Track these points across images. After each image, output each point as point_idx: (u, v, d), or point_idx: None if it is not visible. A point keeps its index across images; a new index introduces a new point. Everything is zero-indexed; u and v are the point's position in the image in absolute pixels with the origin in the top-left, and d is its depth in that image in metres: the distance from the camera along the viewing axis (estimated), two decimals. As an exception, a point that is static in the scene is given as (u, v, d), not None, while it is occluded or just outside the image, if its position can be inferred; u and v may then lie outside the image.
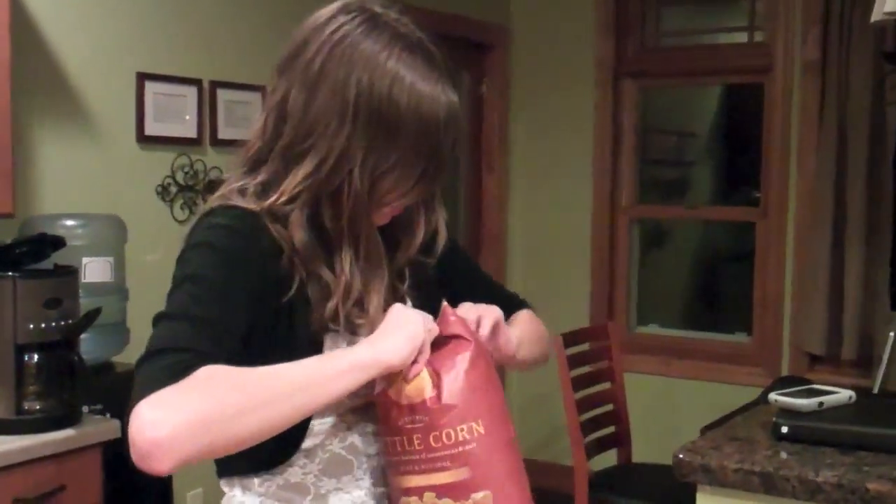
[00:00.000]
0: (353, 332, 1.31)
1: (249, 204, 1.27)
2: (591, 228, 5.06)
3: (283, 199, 1.25)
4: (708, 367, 4.73)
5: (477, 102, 5.20)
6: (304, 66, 1.25)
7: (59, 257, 2.62)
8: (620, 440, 3.83)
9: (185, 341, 1.12)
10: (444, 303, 1.31)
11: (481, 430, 1.23)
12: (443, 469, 1.22)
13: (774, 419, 1.44)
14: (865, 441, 1.37)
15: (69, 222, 2.83)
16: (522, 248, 5.28)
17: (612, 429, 3.83)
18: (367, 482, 1.33)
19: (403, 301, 1.38)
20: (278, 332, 1.25)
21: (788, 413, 1.47)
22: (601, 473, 3.64)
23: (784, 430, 1.42)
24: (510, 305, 1.52)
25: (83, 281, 2.70)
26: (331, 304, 1.27)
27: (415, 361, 1.22)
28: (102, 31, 3.19)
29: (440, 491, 1.22)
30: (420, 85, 1.23)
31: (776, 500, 1.31)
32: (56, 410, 2.50)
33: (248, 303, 1.21)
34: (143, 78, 3.27)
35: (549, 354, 1.61)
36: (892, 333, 2.92)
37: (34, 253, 2.56)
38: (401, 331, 1.21)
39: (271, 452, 1.26)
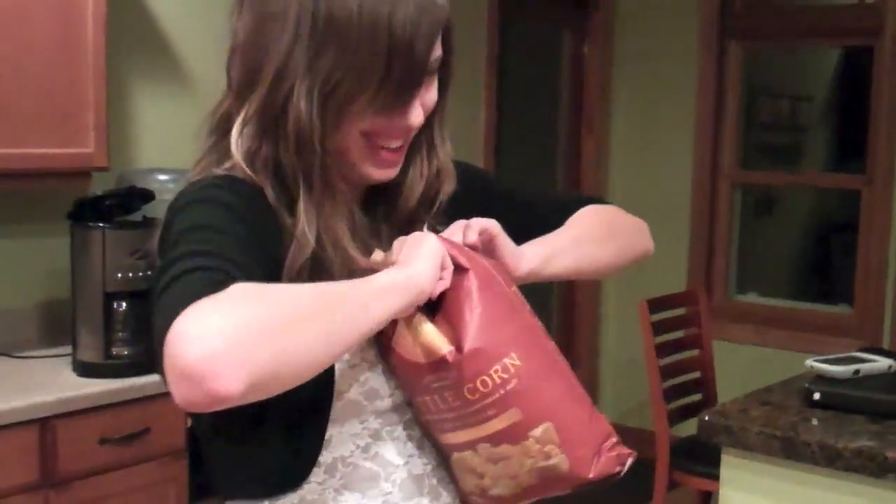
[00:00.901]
0: None
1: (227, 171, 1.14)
2: (692, 193, 4.97)
3: (243, 142, 1.12)
4: (805, 338, 4.61)
5: (578, 62, 5.15)
6: None
7: (149, 210, 2.72)
8: (706, 408, 3.78)
9: (188, 264, 0.98)
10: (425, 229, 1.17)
11: (517, 362, 1.08)
12: (489, 418, 1.09)
13: (807, 385, 1.42)
14: (890, 409, 1.34)
15: (162, 177, 2.92)
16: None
17: (698, 396, 3.79)
18: (395, 496, 1.17)
19: None
20: None
21: (823, 380, 1.45)
22: (684, 440, 3.61)
23: (816, 396, 1.41)
24: (565, 209, 1.34)
25: (172, 233, 2.80)
26: (289, 258, 1.10)
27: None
28: (199, -10, 3.27)
29: (494, 439, 1.09)
30: None
31: (797, 465, 1.30)
32: (142, 356, 2.62)
33: (257, 247, 1.06)
34: (238, 36, 3.34)
35: (648, 247, 1.42)
36: None
37: (124, 205, 2.67)
38: (422, 250, 1.07)
39: (285, 470, 1.13)
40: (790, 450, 1.30)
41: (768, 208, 5.82)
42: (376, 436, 1.16)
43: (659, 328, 3.64)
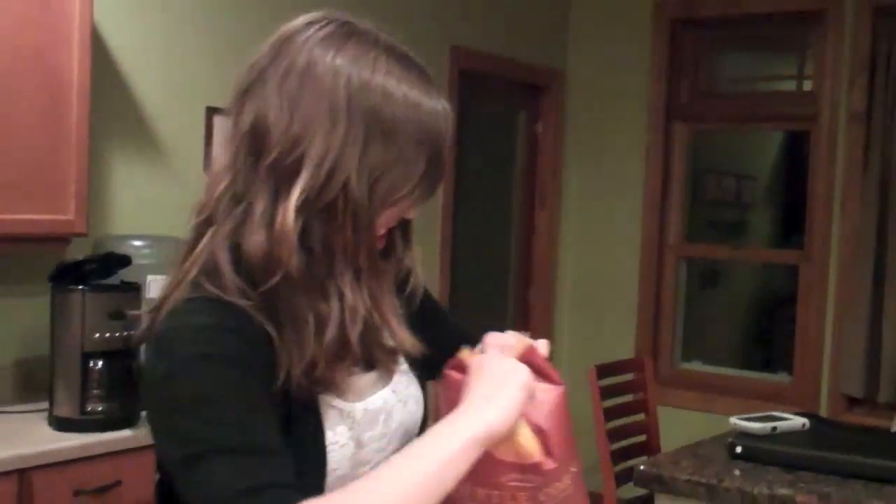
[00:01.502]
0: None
1: (226, 282, 1.12)
2: (639, 265, 5.21)
3: (288, 219, 1.10)
4: (747, 405, 4.79)
5: (531, 141, 5.40)
6: (279, 80, 1.13)
7: (125, 274, 2.88)
8: (651, 470, 3.97)
9: (250, 480, 1.02)
10: (512, 336, 1.24)
11: (574, 469, 1.17)
12: None
13: (731, 440, 1.61)
14: (806, 462, 1.53)
15: (137, 242, 3.09)
16: (571, 282, 5.45)
17: (643, 458, 3.97)
18: None
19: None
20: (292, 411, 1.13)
21: (745, 435, 1.64)
22: (630, 501, 3.78)
23: (738, 449, 1.59)
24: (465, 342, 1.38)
25: (146, 296, 2.95)
26: (329, 334, 1.12)
27: None
28: (175, 68, 3.47)
29: None
30: (415, 83, 1.16)
31: (716, 508, 1.49)
32: (116, 412, 2.75)
33: (269, 401, 1.09)
34: (211, 112, 3.55)
35: None
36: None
37: (102, 269, 2.83)
38: (506, 389, 1.11)
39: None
40: (714, 495, 1.49)
41: (714, 281, 6.07)
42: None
43: (607, 393, 3.83)
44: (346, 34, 1.17)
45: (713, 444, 1.64)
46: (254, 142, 1.14)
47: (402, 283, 1.30)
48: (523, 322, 5.44)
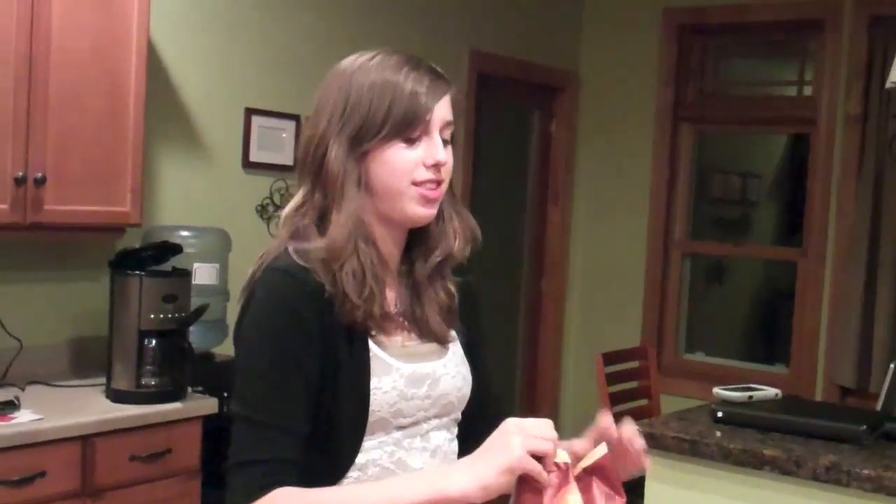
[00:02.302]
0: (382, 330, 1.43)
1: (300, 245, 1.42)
2: (646, 260, 5.48)
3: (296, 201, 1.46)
4: (745, 393, 5.09)
5: (546, 140, 5.68)
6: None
7: (176, 261, 3.17)
8: (654, 451, 4.25)
9: (254, 454, 1.33)
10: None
11: None
12: None
13: (712, 406, 1.89)
14: (776, 424, 1.81)
15: (184, 233, 3.37)
16: (582, 274, 5.73)
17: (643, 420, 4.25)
18: None
19: (453, 313, 1.51)
20: (343, 359, 1.40)
21: (724, 402, 1.92)
22: (633, 481, 4.05)
23: (719, 414, 1.87)
24: (493, 406, 1.61)
25: (194, 282, 3.24)
26: (345, 275, 1.39)
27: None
28: (218, 73, 3.77)
29: None
30: (379, 66, 1.43)
31: (700, 461, 1.77)
32: (167, 386, 3.05)
33: (311, 365, 1.37)
34: (250, 113, 3.83)
35: None
36: (892, 365, 3.31)
37: (157, 257, 3.12)
38: (490, 458, 1.25)
39: (327, 472, 1.39)
40: (696, 450, 1.77)
41: (719, 276, 6.33)
42: (398, 445, 1.44)
43: (612, 379, 4.11)
44: (372, 56, 1.46)
45: (699, 411, 1.91)
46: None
47: (458, 255, 1.51)
48: (535, 310, 5.73)
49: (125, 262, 3.08)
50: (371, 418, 1.41)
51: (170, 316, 3.04)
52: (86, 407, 2.97)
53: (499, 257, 5.61)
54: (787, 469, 1.69)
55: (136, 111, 3.19)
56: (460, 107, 1.50)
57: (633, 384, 4.32)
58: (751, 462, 1.71)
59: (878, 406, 3.39)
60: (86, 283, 3.35)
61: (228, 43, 3.81)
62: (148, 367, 3.04)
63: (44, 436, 2.74)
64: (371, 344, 1.43)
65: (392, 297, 1.49)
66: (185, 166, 3.67)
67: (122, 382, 3.04)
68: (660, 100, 5.43)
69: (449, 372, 1.51)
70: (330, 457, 1.40)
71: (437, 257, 1.49)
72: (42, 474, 2.73)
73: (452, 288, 1.52)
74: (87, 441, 2.84)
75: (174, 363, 3.06)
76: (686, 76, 5.44)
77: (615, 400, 4.07)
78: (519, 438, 1.25)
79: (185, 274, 3.14)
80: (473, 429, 1.52)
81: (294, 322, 1.37)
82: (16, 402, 2.85)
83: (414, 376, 1.45)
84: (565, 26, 5.60)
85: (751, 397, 1.91)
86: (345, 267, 1.40)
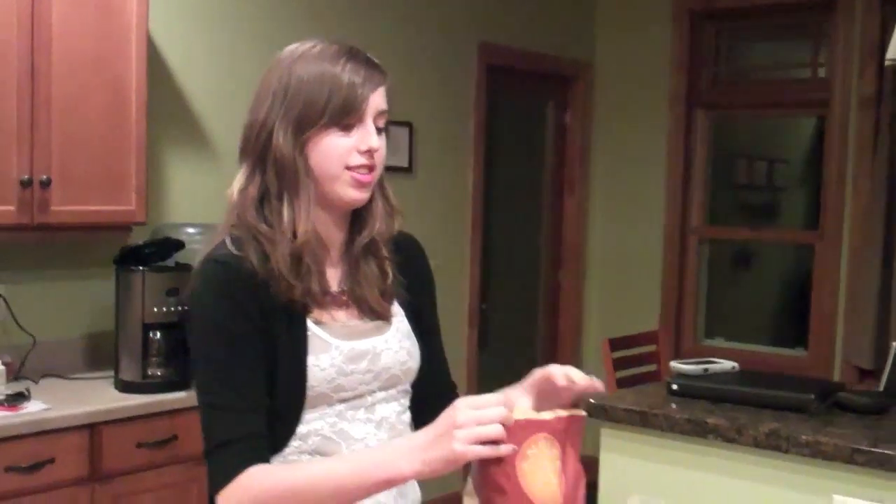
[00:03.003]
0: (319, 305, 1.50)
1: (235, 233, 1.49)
2: (663, 247, 5.50)
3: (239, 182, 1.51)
4: (764, 377, 5.10)
5: (561, 130, 5.72)
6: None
7: (180, 257, 3.27)
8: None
9: (225, 435, 1.41)
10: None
11: None
12: None
13: (667, 379, 1.93)
14: (728, 395, 1.85)
15: (189, 229, 3.47)
16: (599, 263, 5.76)
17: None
18: None
19: (386, 294, 1.57)
20: (282, 338, 1.47)
21: (680, 375, 1.96)
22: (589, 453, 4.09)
23: (674, 387, 1.91)
24: (447, 391, 1.67)
25: (198, 276, 3.32)
26: (281, 252, 1.46)
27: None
28: (221, 73, 3.86)
29: None
30: (318, 57, 1.49)
31: (648, 431, 1.82)
32: (172, 376, 3.16)
33: (257, 344, 1.45)
34: (255, 110, 3.92)
35: None
36: (894, 343, 3.32)
37: (161, 253, 3.22)
38: (436, 448, 1.30)
39: (272, 439, 1.46)
40: (645, 421, 1.82)
41: (746, 263, 6.32)
42: (341, 416, 1.51)
43: (622, 364, 4.15)
44: (312, 45, 1.53)
45: (658, 386, 1.96)
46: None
47: (386, 232, 1.59)
48: (554, 301, 5.77)
49: (129, 259, 3.18)
50: (310, 393, 1.48)
51: (173, 309, 3.14)
52: (94, 397, 3.08)
53: (516, 249, 5.67)
54: (729, 437, 1.73)
55: (139, 111, 3.29)
56: (394, 97, 1.57)
57: (650, 367, 4.33)
58: (696, 431, 1.76)
59: (881, 385, 3.40)
60: (96, 281, 3.46)
61: (231, 41, 3.91)
62: (153, 359, 3.15)
63: (52, 424, 2.86)
64: (310, 323, 1.50)
65: (335, 277, 1.56)
66: (190, 164, 3.77)
67: (129, 373, 3.15)
68: (673, 86, 5.45)
69: (391, 347, 1.57)
70: (272, 428, 1.47)
71: (364, 238, 1.56)
72: (51, 461, 2.85)
73: (387, 267, 1.59)
74: (94, 429, 2.96)
75: (178, 354, 3.16)
76: (699, 62, 5.45)
77: (623, 385, 4.10)
78: (463, 432, 1.29)
79: (187, 268, 3.23)
80: (429, 405, 1.60)
81: (232, 307, 1.46)
82: (26, 393, 2.97)
83: (353, 353, 1.52)
84: (576, 15, 5.63)
85: (706, 370, 1.95)
86: (279, 248, 1.48)
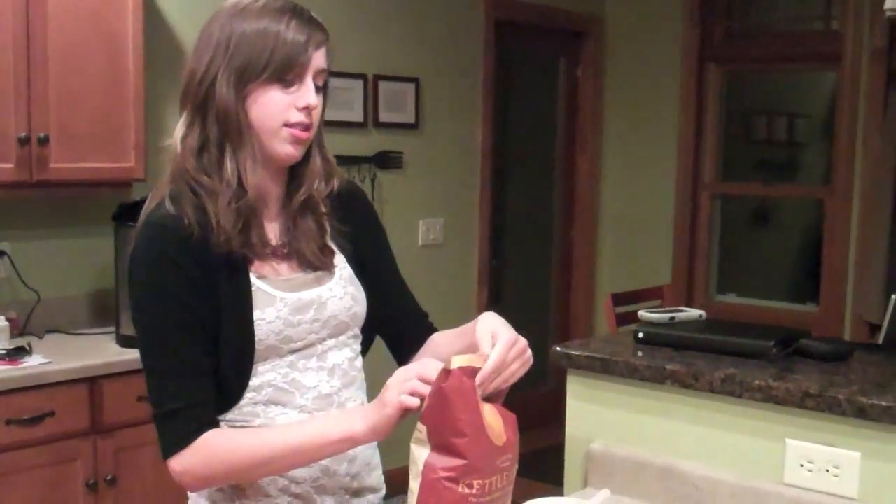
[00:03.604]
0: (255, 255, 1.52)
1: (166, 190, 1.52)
2: (675, 203, 5.48)
3: (179, 131, 1.52)
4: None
5: (572, 86, 5.69)
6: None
7: (179, 213, 3.30)
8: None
9: (172, 402, 1.45)
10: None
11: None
12: (509, 494, 1.38)
13: (635, 328, 1.95)
14: (691, 343, 1.85)
15: (190, 186, 3.50)
16: (612, 221, 5.75)
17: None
18: (310, 406, 1.55)
19: (325, 249, 1.59)
20: (226, 295, 1.49)
21: (647, 324, 1.98)
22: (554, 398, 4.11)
23: (640, 335, 1.93)
24: (420, 321, 1.74)
25: (198, 232, 3.36)
26: (220, 203, 1.47)
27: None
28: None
29: None
30: (262, 11, 1.50)
31: (611, 378, 1.84)
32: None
33: (198, 305, 1.46)
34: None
35: None
36: (893, 296, 3.32)
37: (158, 208, 3.25)
38: (377, 407, 1.39)
39: (224, 399, 1.51)
40: (606, 367, 1.84)
41: (763, 219, 6.29)
42: (292, 366, 1.54)
43: (628, 321, 4.15)
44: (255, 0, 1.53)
45: (627, 334, 1.98)
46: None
47: (325, 188, 1.61)
48: (567, 258, 5.78)
49: (128, 215, 3.22)
50: (259, 346, 1.51)
51: (171, 264, 3.18)
52: (95, 352, 3.14)
53: (528, 206, 5.67)
54: (686, 382, 1.74)
55: (136, 67, 3.32)
56: (334, 57, 1.58)
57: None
58: (655, 377, 1.77)
59: (881, 338, 3.40)
60: (99, 238, 3.50)
61: None
62: (152, 314, 3.19)
63: (51, 377, 2.93)
64: (253, 278, 1.52)
65: (274, 232, 1.58)
66: (192, 122, 3.80)
67: (129, 328, 3.20)
68: (686, 41, 5.40)
69: (336, 294, 1.59)
70: (224, 384, 1.51)
71: (302, 195, 1.57)
72: (52, 414, 2.92)
73: (325, 222, 1.61)
74: (94, 383, 3.02)
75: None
76: (712, 15, 5.39)
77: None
78: (395, 388, 1.37)
79: (186, 224, 3.27)
80: (407, 340, 1.71)
81: (172, 269, 1.47)
82: (27, 348, 3.03)
83: (299, 303, 1.54)
84: (587, -30, 5.59)
85: (672, 318, 1.96)
86: (220, 200, 1.48)
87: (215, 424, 1.48)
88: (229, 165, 1.50)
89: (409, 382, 1.36)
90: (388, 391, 1.37)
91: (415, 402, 1.35)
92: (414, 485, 1.32)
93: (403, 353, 1.72)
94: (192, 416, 1.45)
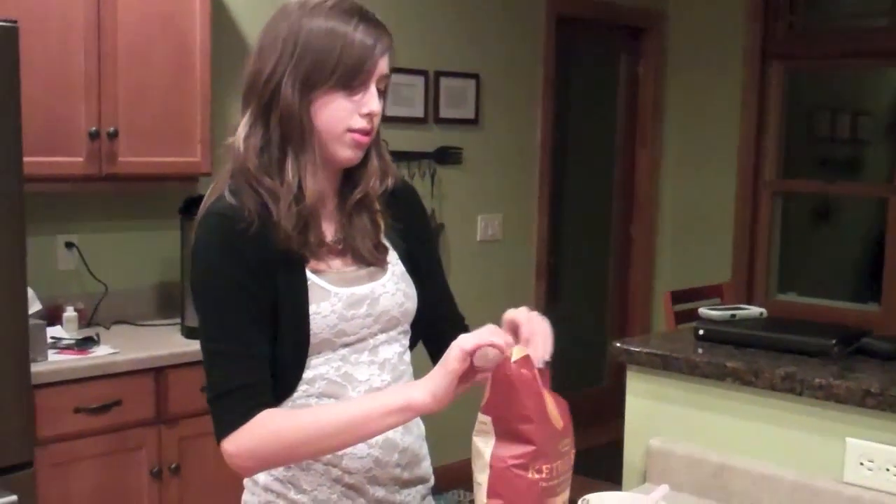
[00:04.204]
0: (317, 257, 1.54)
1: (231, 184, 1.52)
2: (735, 200, 5.44)
3: (243, 131, 1.52)
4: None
5: (633, 82, 5.68)
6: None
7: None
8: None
9: (229, 383, 1.46)
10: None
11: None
12: (569, 480, 1.38)
13: (696, 324, 1.95)
14: (752, 340, 1.85)
15: (254, 180, 3.56)
16: (671, 217, 5.73)
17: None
18: (376, 451, 1.56)
19: (379, 246, 1.61)
20: (282, 289, 1.51)
21: (708, 321, 1.98)
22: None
23: (700, 332, 1.93)
24: (458, 323, 1.75)
25: (261, 226, 3.42)
26: (282, 206, 1.49)
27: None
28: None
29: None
30: (330, 12, 1.50)
31: (671, 374, 1.85)
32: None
33: (258, 291, 1.48)
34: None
35: None
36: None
37: (223, 203, 3.32)
38: (437, 369, 1.37)
39: (278, 392, 1.52)
40: (666, 364, 1.85)
41: (825, 217, 6.22)
42: (345, 360, 1.56)
43: (686, 318, 4.14)
44: (324, 0, 1.53)
45: (687, 331, 1.98)
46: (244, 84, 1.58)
47: (381, 187, 1.62)
48: (625, 255, 5.77)
49: (194, 209, 3.28)
50: (314, 340, 1.54)
51: (234, 257, 3.24)
52: (160, 342, 3.22)
53: (587, 202, 5.67)
54: (746, 380, 1.75)
55: (203, 64, 3.39)
56: (396, 56, 1.59)
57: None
58: (715, 374, 1.78)
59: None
60: (166, 231, 3.58)
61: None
62: (216, 306, 3.25)
63: (119, 367, 3.00)
64: (309, 273, 1.55)
65: (330, 229, 1.61)
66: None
67: (194, 320, 3.22)
68: (748, 37, 5.35)
69: (388, 290, 1.62)
70: (278, 377, 1.52)
71: (358, 193, 1.60)
72: (118, 403, 2.99)
73: (380, 220, 1.64)
74: (160, 373, 3.09)
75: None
76: (774, 11, 5.34)
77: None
78: (455, 345, 1.35)
79: (249, 218, 3.33)
80: (444, 339, 1.62)
81: (234, 257, 1.49)
82: (95, 338, 3.11)
83: (352, 298, 1.57)
84: (648, -34, 5.56)
85: (733, 316, 1.96)
86: (281, 203, 1.50)
87: (270, 406, 1.48)
88: (290, 168, 1.52)
89: (473, 338, 1.35)
90: (447, 359, 1.36)
91: (483, 339, 1.34)
92: (481, 477, 1.34)
93: (440, 352, 1.70)
94: (248, 396, 1.46)
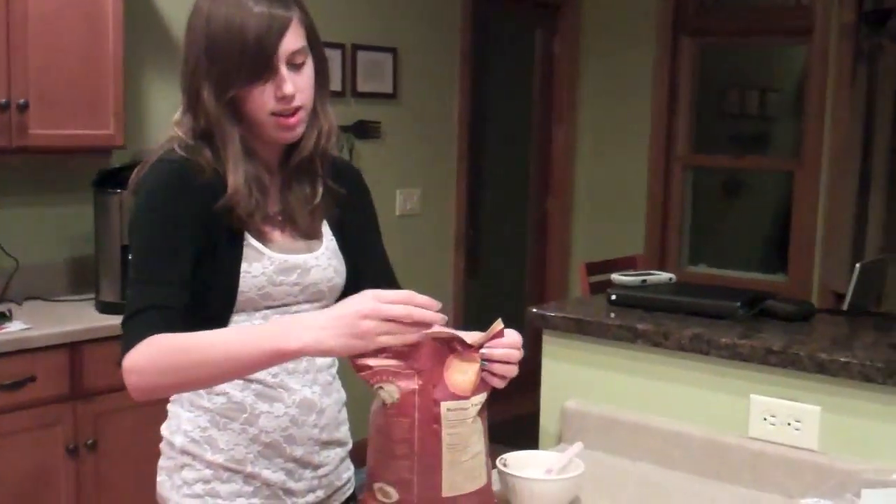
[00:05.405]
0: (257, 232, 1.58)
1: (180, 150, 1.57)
2: (648, 174, 5.56)
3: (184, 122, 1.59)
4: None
5: (548, 59, 5.74)
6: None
7: (158, 180, 3.33)
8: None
9: (139, 303, 1.47)
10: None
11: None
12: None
13: (608, 290, 2.02)
14: (661, 304, 1.93)
15: (169, 154, 3.53)
16: (586, 191, 5.82)
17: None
18: (293, 411, 1.61)
19: (316, 212, 1.65)
20: (219, 243, 1.55)
21: (619, 286, 2.05)
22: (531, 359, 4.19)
23: (613, 297, 2.00)
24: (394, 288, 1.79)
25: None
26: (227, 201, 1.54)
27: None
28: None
29: None
30: (230, 5, 1.52)
31: (584, 337, 1.91)
32: (151, 297, 3.23)
33: (193, 234, 1.52)
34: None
35: None
36: (857, 265, 3.40)
37: (138, 176, 3.28)
38: (339, 330, 1.32)
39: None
40: (580, 327, 1.91)
41: (734, 191, 6.38)
42: (265, 319, 1.59)
43: (600, 288, 4.22)
44: None
45: (601, 298, 2.04)
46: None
47: (321, 151, 1.66)
48: (543, 228, 5.84)
49: (108, 182, 3.25)
50: (240, 297, 1.58)
51: (150, 231, 3.21)
52: (75, 318, 3.18)
53: (504, 177, 5.72)
54: (656, 341, 1.81)
55: (115, 35, 3.33)
56: (310, 23, 1.62)
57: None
58: (626, 336, 1.84)
59: (846, 304, 3.48)
60: (78, 205, 3.53)
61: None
62: (132, 280, 3.22)
63: (32, 343, 2.96)
64: (247, 234, 1.58)
65: (273, 202, 1.64)
66: (170, 88, 3.81)
67: (109, 295, 3.24)
68: (660, 12, 5.45)
69: (321, 264, 1.65)
70: (201, 328, 1.50)
71: (296, 157, 1.63)
72: (32, 379, 2.95)
73: (318, 184, 1.67)
74: (74, 348, 3.05)
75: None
76: (687, -11, 5.45)
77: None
78: (372, 324, 1.31)
79: (165, 191, 3.30)
80: None
81: (181, 199, 1.53)
82: (7, 314, 3.06)
83: (285, 265, 1.60)
84: (563, -57, 5.61)
85: (644, 281, 2.03)
86: (231, 185, 1.55)
87: (175, 331, 1.46)
88: (222, 154, 1.57)
89: (385, 325, 1.32)
90: (361, 327, 1.32)
91: (390, 340, 1.33)
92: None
93: None
94: (154, 317, 1.46)
